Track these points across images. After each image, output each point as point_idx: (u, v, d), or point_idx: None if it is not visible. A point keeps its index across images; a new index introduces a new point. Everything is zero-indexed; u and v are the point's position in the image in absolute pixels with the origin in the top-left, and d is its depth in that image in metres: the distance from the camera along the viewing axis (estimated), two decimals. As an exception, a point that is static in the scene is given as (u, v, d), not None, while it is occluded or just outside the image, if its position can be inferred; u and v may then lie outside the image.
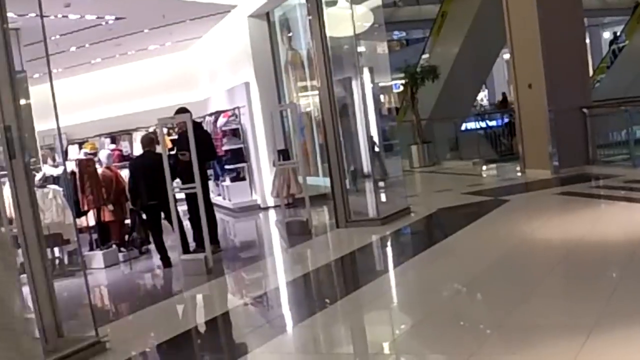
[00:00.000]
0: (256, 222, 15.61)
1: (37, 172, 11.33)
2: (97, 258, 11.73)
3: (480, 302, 7.06)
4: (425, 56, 26.16)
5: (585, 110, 14.44)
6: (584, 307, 5.94)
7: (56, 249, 11.40)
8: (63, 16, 12.84)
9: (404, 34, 42.18)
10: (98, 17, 13.90)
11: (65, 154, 17.03)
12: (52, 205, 10.83)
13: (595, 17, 39.20)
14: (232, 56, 17.59)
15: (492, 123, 24.42)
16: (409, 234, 11.26)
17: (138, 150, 17.07)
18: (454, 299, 7.12)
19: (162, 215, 10.94)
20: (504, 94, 34.66)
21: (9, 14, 6.27)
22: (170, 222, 10.53)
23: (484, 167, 18.86)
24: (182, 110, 10.93)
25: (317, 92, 12.33)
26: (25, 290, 6.84)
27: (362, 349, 6.30)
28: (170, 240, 11.04)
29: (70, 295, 9.28)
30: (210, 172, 15.95)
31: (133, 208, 11.74)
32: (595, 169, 14.09)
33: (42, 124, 9.87)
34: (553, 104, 14.12)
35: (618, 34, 33.95)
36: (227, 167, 16.98)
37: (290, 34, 17.25)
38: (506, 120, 22.75)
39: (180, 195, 11.52)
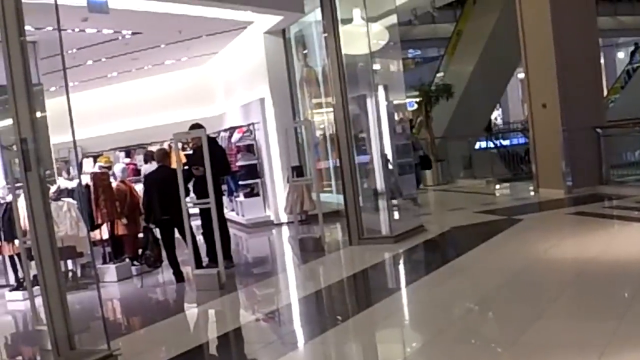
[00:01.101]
0: (269, 238, 15.60)
1: (52, 184, 11.40)
2: (110, 271, 11.74)
3: (493, 321, 7.03)
4: (439, 74, 26.18)
5: (599, 130, 14.43)
6: (596, 327, 5.92)
7: (70, 262, 11.40)
8: (80, 30, 12.92)
9: (419, 52, 42.25)
10: (115, 32, 14.00)
11: (80, 167, 17.14)
12: (66, 218, 10.86)
13: (609, 37, 39.16)
14: (248, 72, 17.65)
15: (506, 142, 24.36)
16: (422, 252, 11.25)
17: (146, 165, 17.22)
18: (466, 317, 7.10)
19: (176, 230, 10.95)
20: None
21: (27, 27, 6.32)
22: (184, 237, 10.54)
23: (497, 186, 18.83)
24: (197, 126, 10.98)
25: (331, 109, 12.36)
26: (39, 302, 6.90)
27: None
28: (183, 255, 11.05)
29: (83, 308, 9.31)
30: (224, 187, 15.97)
31: (146, 225, 11.76)
32: (608, 189, 14.05)
33: (58, 137, 9.90)
34: (567, 124, 14.11)
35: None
36: (241, 182, 17.00)
37: (305, 51, 17.31)
38: (525, 140, 22.50)
39: (194, 210, 11.53)
